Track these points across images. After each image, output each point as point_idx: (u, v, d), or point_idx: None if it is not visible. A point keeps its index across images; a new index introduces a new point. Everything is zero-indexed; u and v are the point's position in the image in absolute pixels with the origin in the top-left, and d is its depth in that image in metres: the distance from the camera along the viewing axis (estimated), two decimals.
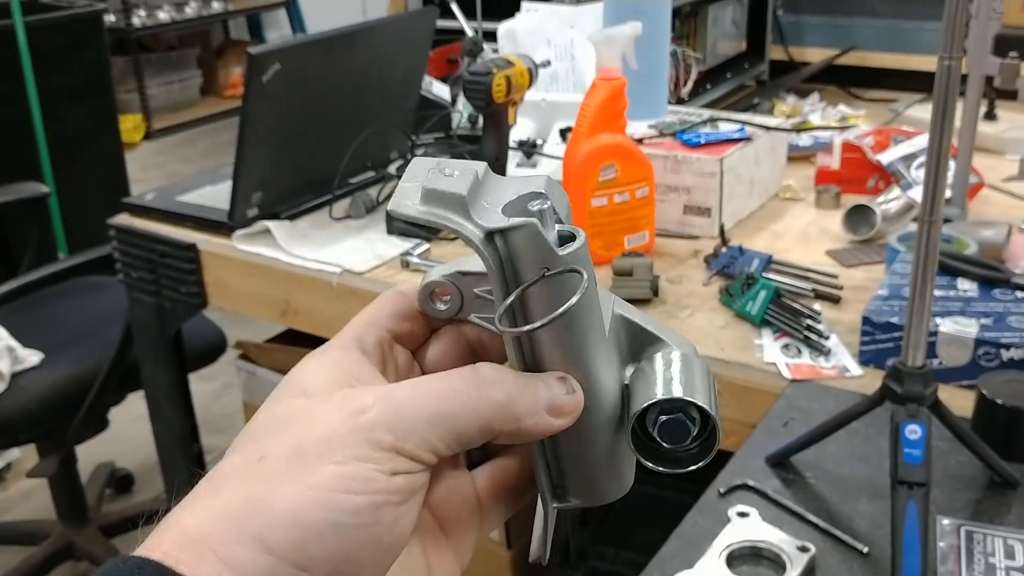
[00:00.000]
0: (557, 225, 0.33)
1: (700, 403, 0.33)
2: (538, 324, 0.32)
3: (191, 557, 0.29)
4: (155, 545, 0.30)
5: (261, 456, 0.31)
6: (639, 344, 0.36)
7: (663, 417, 0.34)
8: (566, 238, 0.32)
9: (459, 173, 0.33)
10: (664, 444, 0.34)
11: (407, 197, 0.33)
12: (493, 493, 0.37)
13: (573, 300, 0.31)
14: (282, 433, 0.31)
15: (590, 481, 0.36)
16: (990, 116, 1.66)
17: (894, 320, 0.98)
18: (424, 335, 0.38)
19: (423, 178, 0.33)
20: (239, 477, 0.31)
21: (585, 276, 0.32)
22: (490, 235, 0.32)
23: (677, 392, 0.33)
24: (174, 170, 4.37)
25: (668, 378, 0.34)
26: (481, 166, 0.34)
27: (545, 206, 0.32)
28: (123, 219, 1.49)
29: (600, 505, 0.37)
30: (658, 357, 0.35)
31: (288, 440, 0.31)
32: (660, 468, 0.35)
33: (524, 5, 1.72)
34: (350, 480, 0.30)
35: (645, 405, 0.33)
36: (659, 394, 0.33)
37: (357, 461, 0.30)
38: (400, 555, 0.32)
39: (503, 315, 0.32)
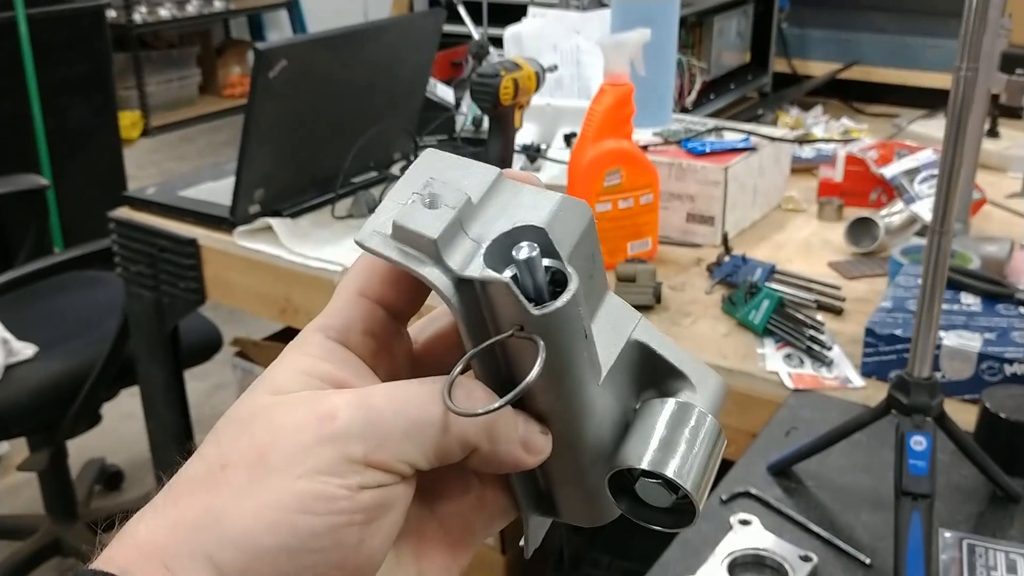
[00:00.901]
0: (551, 263, 0.29)
1: (686, 488, 0.31)
2: (490, 408, 0.29)
3: (142, 570, 0.27)
4: (110, 557, 0.28)
5: (223, 464, 0.29)
6: (659, 374, 0.33)
7: (645, 479, 0.32)
8: (561, 281, 0.29)
9: (445, 203, 0.29)
10: (643, 499, 0.32)
11: (379, 226, 0.29)
12: (497, 488, 0.35)
13: (530, 378, 0.28)
14: (245, 436, 0.29)
15: (577, 507, 0.34)
16: (992, 133, 1.66)
17: (897, 332, 0.98)
18: (417, 296, 0.33)
19: (404, 203, 0.29)
20: (198, 486, 0.29)
21: (540, 353, 0.28)
22: (463, 281, 0.29)
23: (663, 468, 0.31)
24: (171, 168, 4.36)
25: (663, 443, 0.31)
26: (486, 177, 0.30)
27: (532, 254, 0.28)
28: (123, 212, 1.48)
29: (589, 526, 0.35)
30: (668, 407, 0.32)
31: (251, 446, 0.29)
32: (635, 519, 0.33)
33: (531, 10, 1.72)
34: (311, 500, 0.27)
35: (623, 468, 0.32)
36: (645, 462, 0.31)
37: (321, 475, 0.28)
38: (382, 566, 0.30)
39: (473, 359, 0.30)
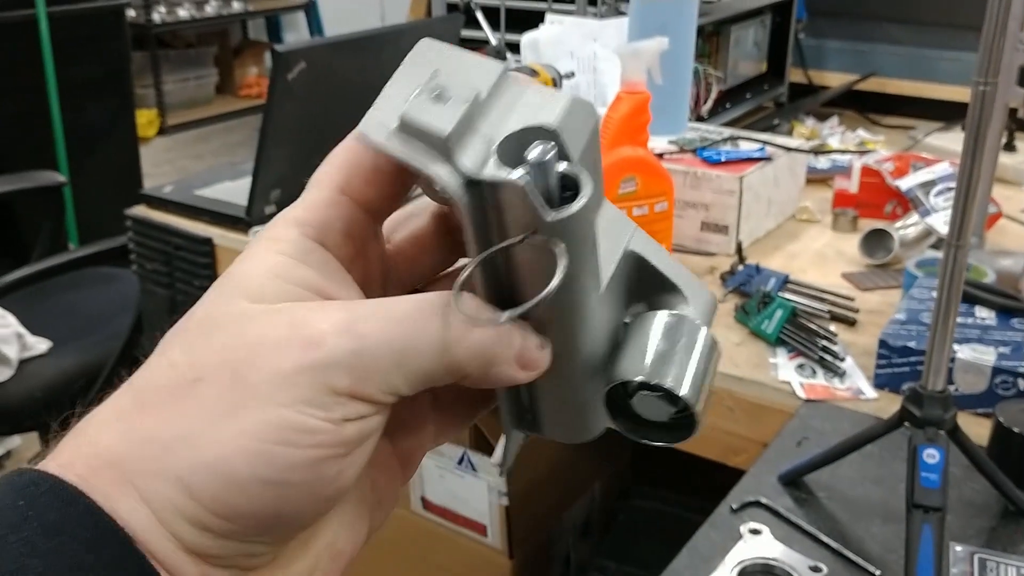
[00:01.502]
0: (565, 167, 0.27)
1: (686, 397, 0.29)
2: (504, 316, 0.28)
3: (105, 483, 0.25)
4: (68, 462, 0.26)
5: (195, 378, 0.26)
6: (652, 287, 0.32)
7: (642, 392, 0.31)
8: (571, 187, 0.27)
9: (454, 97, 0.27)
10: (639, 415, 0.31)
11: (383, 119, 0.27)
12: (449, 404, 0.33)
13: (552, 286, 0.27)
14: (218, 348, 0.27)
15: (564, 423, 0.33)
16: (1009, 147, 1.66)
17: (911, 344, 0.98)
18: (399, 195, 0.31)
19: (409, 96, 0.27)
20: (167, 398, 0.26)
21: (562, 259, 0.26)
22: (472, 183, 0.27)
23: (662, 379, 0.30)
24: (186, 166, 4.38)
25: (660, 354, 0.30)
26: (492, 73, 0.28)
27: (546, 157, 0.26)
28: (140, 210, 1.49)
29: (570, 442, 0.34)
30: (662, 318, 0.31)
31: (226, 363, 0.26)
32: (632, 436, 0.32)
33: (548, 17, 1.73)
34: (290, 431, 0.26)
35: (622, 381, 0.30)
36: (642, 374, 0.30)
37: (303, 406, 0.26)
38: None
39: (477, 267, 0.28)
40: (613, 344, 0.31)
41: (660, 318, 0.31)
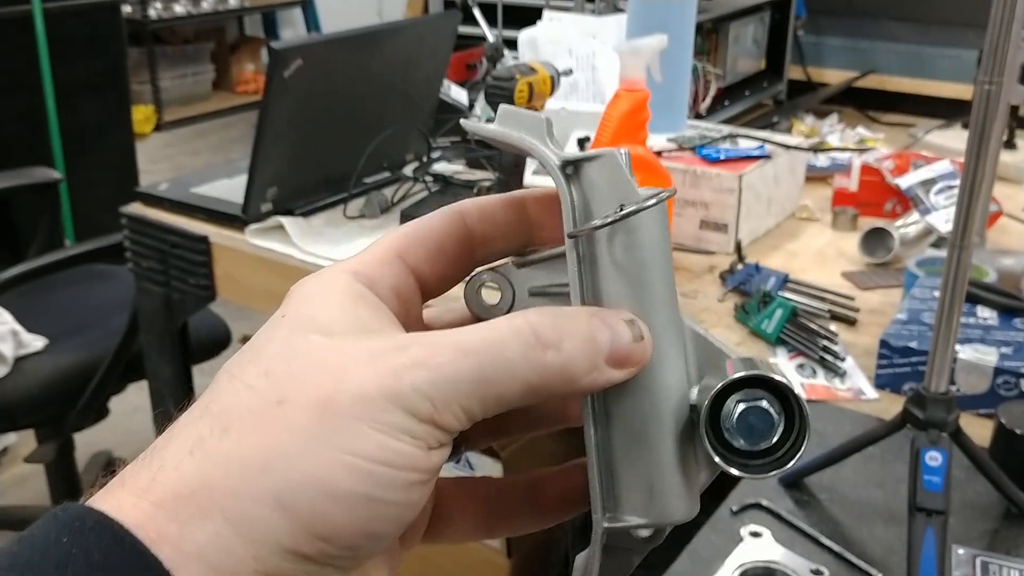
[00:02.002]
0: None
1: (785, 381, 0.28)
2: (609, 220, 0.28)
3: (180, 509, 0.24)
4: (140, 491, 0.25)
5: (280, 399, 0.26)
6: (708, 362, 0.31)
7: (741, 406, 0.28)
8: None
9: (530, 111, 0.31)
10: (742, 443, 0.28)
11: (476, 124, 0.31)
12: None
13: (653, 200, 0.28)
14: (302, 375, 0.26)
15: (650, 488, 0.29)
16: (1009, 145, 1.65)
17: (912, 345, 0.97)
18: (452, 279, 0.32)
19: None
20: (254, 421, 0.26)
21: (660, 193, 0.28)
22: (566, 165, 0.29)
23: (757, 369, 0.28)
24: (183, 163, 4.37)
25: (744, 365, 0.29)
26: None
27: (622, 151, 0.29)
28: (136, 208, 1.48)
29: (662, 527, 0.30)
30: (727, 362, 0.30)
31: (311, 386, 0.26)
32: (741, 472, 0.29)
33: (546, 14, 1.72)
34: (389, 452, 0.26)
35: (725, 383, 0.28)
36: (750, 373, 0.28)
37: (395, 430, 0.26)
38: None
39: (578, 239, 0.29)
40: (688, 410, 0.30)
41: (727, 363, 0.30)
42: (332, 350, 0.27)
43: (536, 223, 0.33)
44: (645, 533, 0.30)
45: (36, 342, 1.62)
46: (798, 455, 0.29)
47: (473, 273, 0.33)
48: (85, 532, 0.24)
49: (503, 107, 0.30)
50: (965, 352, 0.94)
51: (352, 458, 0.25)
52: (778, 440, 0.29)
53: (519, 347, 0.27)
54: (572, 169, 0.29)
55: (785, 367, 1.03)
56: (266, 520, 0.25)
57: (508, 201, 0.33)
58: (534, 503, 0.34)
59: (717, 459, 0.29)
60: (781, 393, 0.28)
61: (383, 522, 0.26)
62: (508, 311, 0.33)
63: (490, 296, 0.33)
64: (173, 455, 0.26)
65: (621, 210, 0.28)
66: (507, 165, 1.25)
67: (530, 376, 0.27)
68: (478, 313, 0.33)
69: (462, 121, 0.32)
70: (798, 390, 0.29)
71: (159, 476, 0.25)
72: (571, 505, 0.34)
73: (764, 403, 0.28)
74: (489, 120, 0.31)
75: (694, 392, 0.30)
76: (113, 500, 0.25)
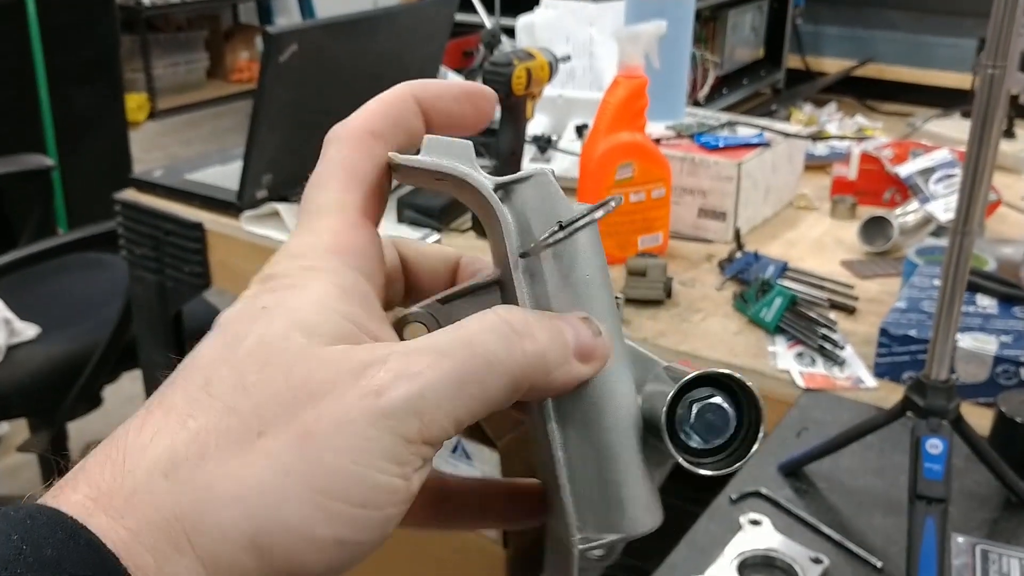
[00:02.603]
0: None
1: (739, 376, 0.29)
2: (560, 236, 0.29)
3: (156, 540, 0.23)
4: (114, 509, 0.24)
5: (260, 430, 0.25)
6: (643, 371, 0.31)
7: (697, 405, 0.29)
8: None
9: (454, 138, 0.30)
10: (698, 442, 0.29)
11: (396, 153, 0.30)
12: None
13: (600, 212, 0.28)
14: (281, 393, 0.25)
15: (620, 501, 0.30)
16: (1008, 134, 1.65)
17: (912, 333, 0.96)
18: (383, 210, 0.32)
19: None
20: (232, 448, 0.24)
21: (596, 212, 0.29)
22: (498, 188, 0.29)
23: (723, 372, 0.29)
24: (176, 152, 4.34)
25: (684, 372, 0.29)
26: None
27: (548, 167, 0.30)
28: (129, 194, 1.47)
29: (631, 538, 0.30)
30: (666, 370, 0.31)
31: (290, 412, 0.25)
32: (709, 471, 0.29)
33: (544, 1, 1.70)
34: (373, 491, 0.25)
35: (683, 382, 0.29)
36: (707, 373, 0.29)
37: (380, 461, 0.25)
38: None
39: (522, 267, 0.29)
40: (639, 416, 0.31)
41: (665, 370, 0.31)
42: (311, 363, 0.26)
43: (414, 272, 0.34)
44: (601, 552, 0.30)
45: (29, 330, 1.61)
46: (756, 444, 0.29)
47: (400, 313, 0.32)
48: (36, 528, 0.23)
49: (429, 137, 0.30)
50: (965, 341, 0.94)
51: (331, 503, 0.25)
52: (732, 434, 0.29)
53: (497, 339, 0.27)
54: (503, 193, 0.29)
55: (784, 355, 1.02)
56: (239, 562, 0.24)
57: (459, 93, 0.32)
58: (478, 508, 0.34)
59: (683, 461, 0.29)
60: (731, 389, 0.29)
61: (354, 559, 0.26)
62: None
63: (417, 333, 0.32)
64: (146, 471, 0.24)
65: (560, 227, 0.28)
66: (504, 152, 1.24)
67: (512, 368, 0.27)
68: None
69: (389, 154, 0.30)
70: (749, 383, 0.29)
71: (132, 497, 0.24)
72: (518, 516, 0.34)
73: (718, 399, 0.29)
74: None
75: (639, 400, 0.31)
76: (79, 504, 0.24)
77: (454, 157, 0.29)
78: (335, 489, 0.24)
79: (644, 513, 0.30)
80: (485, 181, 0.29)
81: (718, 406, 0.29)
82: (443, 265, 0.34)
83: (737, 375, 0.29)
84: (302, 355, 0.26)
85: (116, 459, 0.25)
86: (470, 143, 0.30)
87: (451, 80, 0.32)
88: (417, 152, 0.30)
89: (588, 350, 0.28)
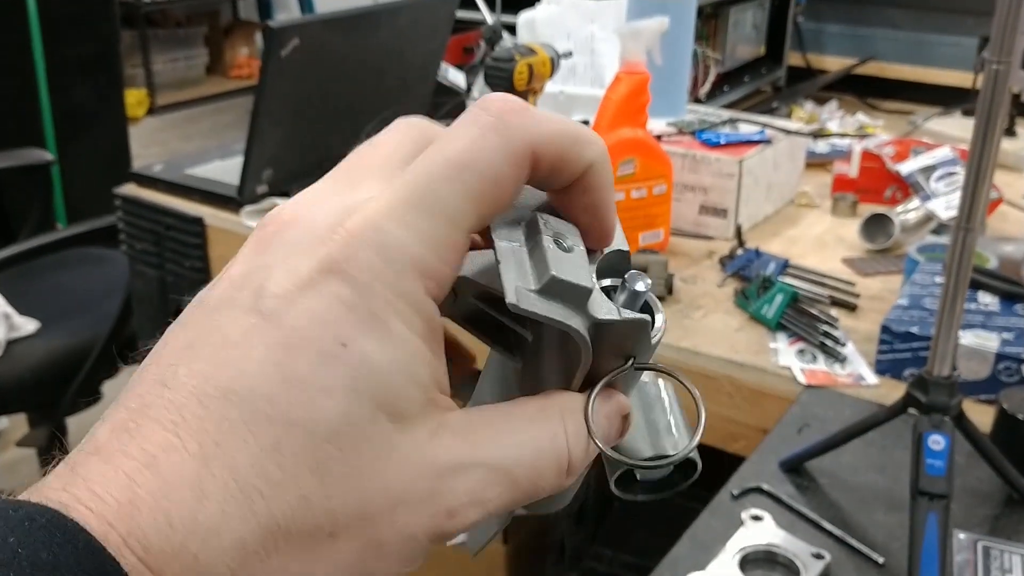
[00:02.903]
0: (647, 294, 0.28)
1: (694, 456, 0.30)
2: (642, 464, 0.30)
3: None
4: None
5: (332, 532, 0.23)
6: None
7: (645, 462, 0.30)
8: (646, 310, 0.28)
9: (571, 242, 0.26)
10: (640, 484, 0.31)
11: (521, 275, 0.26)
12: None
13: (698, 437, 0.29)
14: (359, 496, 0.23)
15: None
16: (1010, 132, 1.64)
17: (913, 330, 0.96)
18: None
19: (532, 241, 0.26)
20: (303, 550, 0.23)
21: (694, 393, 0.29)
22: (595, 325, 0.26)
23: (672, 448, 0.30)
24: (176, 147, 4.34)
25: (654, 427, 0.31)
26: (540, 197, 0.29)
27: (647, 288, 0.27)
28: (130, 189, 1.46)
29: (541, 513, 0.33)
30: (638, 390, 0.32)
31: (365, 518, 0.23)
32: (637, 497, 0.32)
33: None
34: (413, 565, 0.25)
35: (640, 461, 0.30)
36: (658, 451, 0.30)
37: (421, 557, 0.25)
38: None
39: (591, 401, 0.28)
40: None
41: (637, 391, 0.31)
42: (396, 459, 0.23)
43: None
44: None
45: (28, 325, 1.60)
46: (689, 479, 0.31)
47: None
48: (34, 531, 0.21)
49: (553, 276, 0.25)
50: (966, 338, 0.94)
51: None
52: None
53: (556, 477, 0.27)
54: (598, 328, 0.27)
55: (785, 352, 1.02)
56: None
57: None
58: None
59: (618, 492, 0.31)
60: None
61: None
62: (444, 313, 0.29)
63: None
64: (216, 562, 0.21)
65: (635, 365, 0.28)
66: None
67: (544, 496, 0.27)
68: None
69: (508, 300, 0.25)
70: (692, 443, 0.30)
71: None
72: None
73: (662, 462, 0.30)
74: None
75: None
76: (134, 570, 0.21)
77: (568, 301, 0.26)
78: None
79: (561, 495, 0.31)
80: (582, 326, 0.26)
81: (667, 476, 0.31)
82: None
83: (688, 455, 0.30)
84: (386, 447, 0.23)
85: (174, 523, 0.21)
86: (588, 289, 0.26)
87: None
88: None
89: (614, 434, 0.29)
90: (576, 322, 0.26)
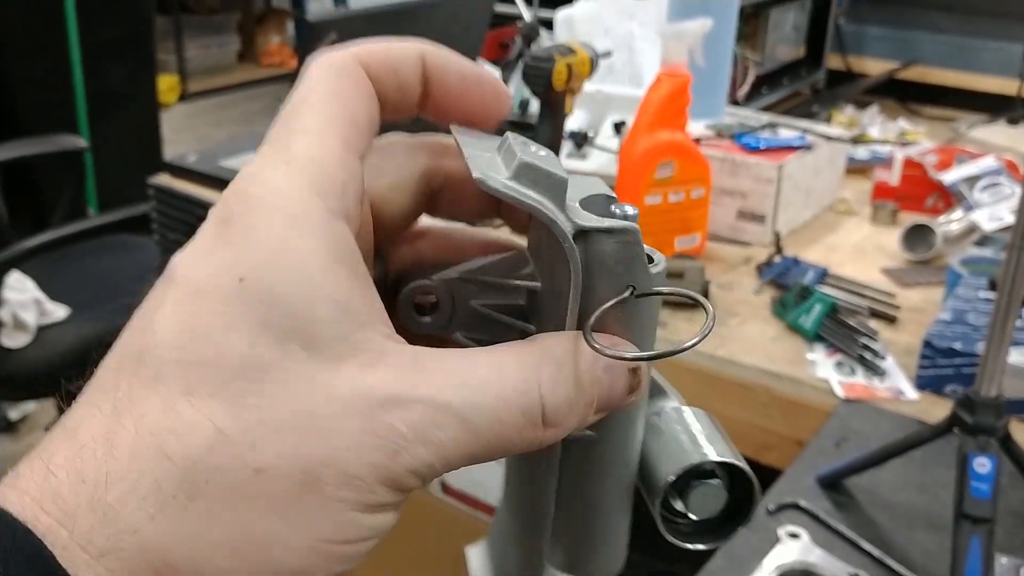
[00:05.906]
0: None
1: (745, 467, 0.28)
2: (646, 355, 0.26)
3: None
4: (94, 549, 0.21)
5: (258, 467, 0.22)
6: (655, 403, 0.31)
7: (695, 483, 0.28)
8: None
9: (545, 153, 0.26)
10: (691, 516, 0.29)
11: (491, 167, 0.25)
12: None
13: (706, 334, 0.25)
14: (283, 430, 0.22)
15: (590, 548, 0.30)
16: None
17: (956, 346, 0.94)
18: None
19: (503, 148, 0.26)
20: (227, 487, 0.22)
21: (709, 313, 0.26)
22: (581, 234, 0.25)
23: (716, 454, 0.28)
24: (206, 133, 4.36)
25: (694, 437, 0.29)
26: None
27: (634, 212, 0.26)
28: (163, 179, 1.46)
29: None
30: (670, 412, 0.30)
31: (295, 455, 0.22)
32: (689, 545, 0.29)
33: None
34: (369, 530, 0.24)
35: (687, 466, 0.28)
36: (704, 456, 0.28)
37: (380, 507, 0.24)
38: None
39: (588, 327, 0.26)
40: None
41: (670, 413, 0.30)
42: (321, 392, 0.23)
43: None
44: None
45: (59, 311, 1.61)
46: (740, 527, 0.29)
47: (410, 285, 0.29)
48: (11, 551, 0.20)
49: (523, 160, 0.25)
50: (1013, 356, 0.91)
51: (329, 545, 0.23)
52: (719, 514, 0.29)
53: (525, 428, 0.25)
54: (583, 242, 0.26)
55: (823, 364, 1.01)
56: None
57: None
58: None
59: (670, 537, 0.29)
60: (731, 471, 0.28)
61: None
62: (445, 328, 0.29)
63: (425, 307, 0.29)
64: (132, 509, 0.21)
65: (635, 293, 0.26)
66: (543, 145, 1.23)
67: (521, 448, 0.25)
68: (407, 325, 0.29)
69: (475, 175, 0.25)
70: (746, 467, 0.28)
71: (114, 537, 0.21)
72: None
73: (717, 481, 0.28)
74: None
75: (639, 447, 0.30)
76: (48, 528, 0.21)
77: (543, 190, 0.25)
78: (334, 534, 0.23)
79: (612, 561, 0.30)
80: (567, 228, 0.25)
81: (716, 488, 0.28)
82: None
83: (746, 468, 0.28)
84: (307, 380, 0.23)
85: (87, 477, 0.21)
86: (564, 177, 0.25)
87: (470, 62, 0.28)
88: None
89: (609, 407, 0.27)
90: (553, 212, 0.25)
